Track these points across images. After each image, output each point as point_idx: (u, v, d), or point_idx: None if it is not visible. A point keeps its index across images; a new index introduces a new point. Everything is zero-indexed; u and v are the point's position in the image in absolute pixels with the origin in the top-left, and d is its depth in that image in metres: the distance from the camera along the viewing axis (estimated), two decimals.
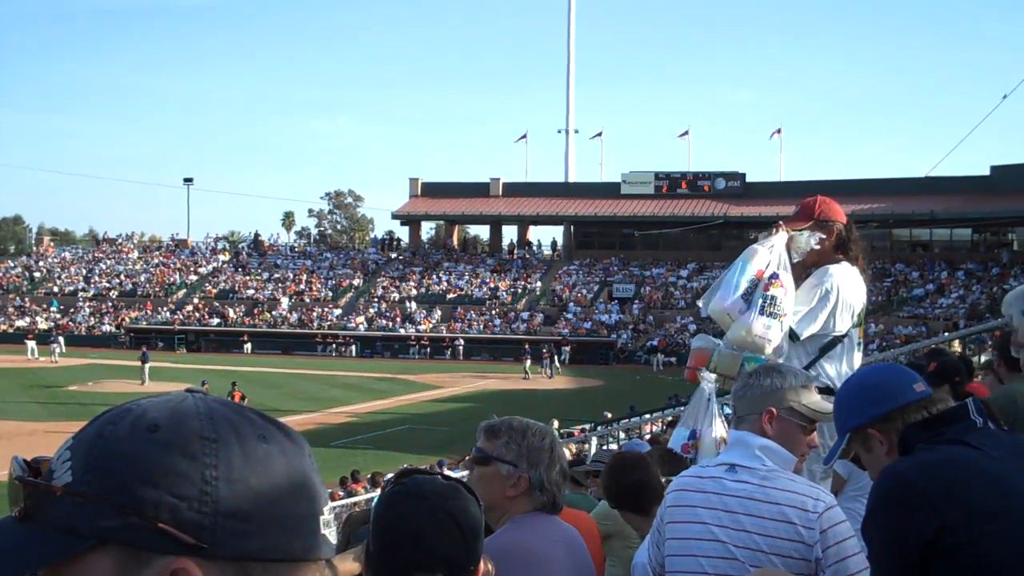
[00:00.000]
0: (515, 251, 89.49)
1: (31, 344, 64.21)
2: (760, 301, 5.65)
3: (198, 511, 1.16)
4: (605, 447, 19.75)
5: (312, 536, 1.22)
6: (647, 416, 27.69)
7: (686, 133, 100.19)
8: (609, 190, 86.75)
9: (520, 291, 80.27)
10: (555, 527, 3.72)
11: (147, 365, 52.13)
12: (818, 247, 5.90)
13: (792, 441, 3.82)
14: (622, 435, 22.25)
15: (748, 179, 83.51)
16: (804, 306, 5.77)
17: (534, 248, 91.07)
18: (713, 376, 5.97)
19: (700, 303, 6.16)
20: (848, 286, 5.84)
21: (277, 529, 1.19)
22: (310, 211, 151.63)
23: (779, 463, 3.72)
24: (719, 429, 5.83)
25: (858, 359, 5.94)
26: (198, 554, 1.15)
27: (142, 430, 1.21)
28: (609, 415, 31.24)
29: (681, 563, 3.72)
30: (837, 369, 5.82)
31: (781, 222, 5.99)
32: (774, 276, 5.70)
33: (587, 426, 29.22)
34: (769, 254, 5.81)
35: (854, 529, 3.59)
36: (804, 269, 5.97)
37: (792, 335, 5.78)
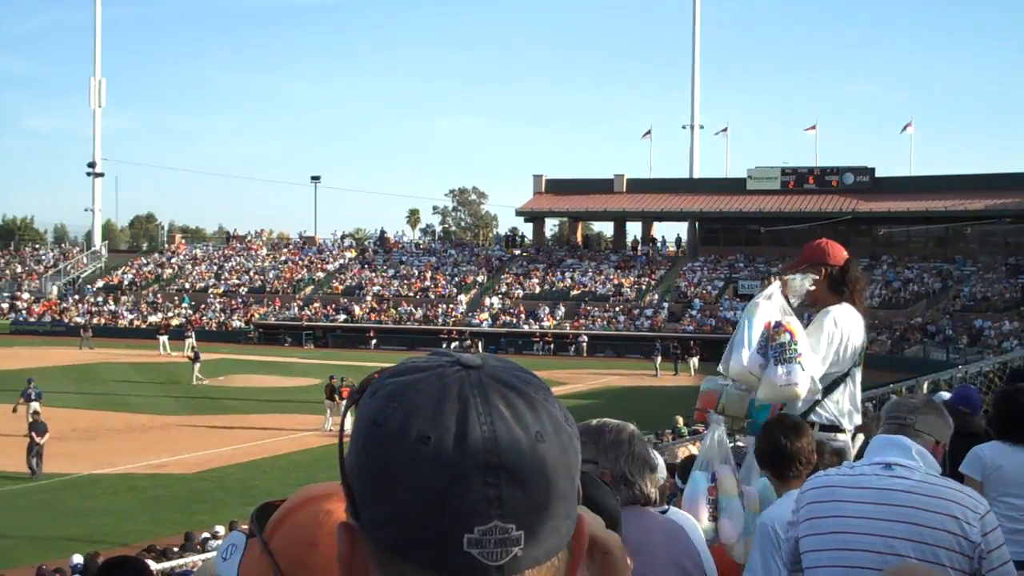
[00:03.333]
0: (639, 247, 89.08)
1: (163, 339, 65.64)
2: (771, 352, 5.74)
3: None
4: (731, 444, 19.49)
5: None
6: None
7: (813, 127, 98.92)
8: (734, 185, 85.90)
9: (644, 287, 79.86)
10: (652, 519, 3.78)
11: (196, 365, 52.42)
12: (812, 288, 6.06)
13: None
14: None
15: (878, 174, 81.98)
16: (809, 350, 5.83)
17: (658, 244, 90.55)
18: (722, 417, 6.00)
19: (720, 368, 6.22)
20: (848, 326, 5.99)
21: None
22: (435, 208, 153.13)
23: (932, 470, 3.87)
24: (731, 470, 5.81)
25: (858, 395, 6.15)
26: None
27: None
28: None
29: (831, 557, 3.77)
30: (840, 407, 6.05)
31: (776, 274, 6.16)
32: (778, 324, 5.79)
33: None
34: (769, 304, 5.91)
35: None
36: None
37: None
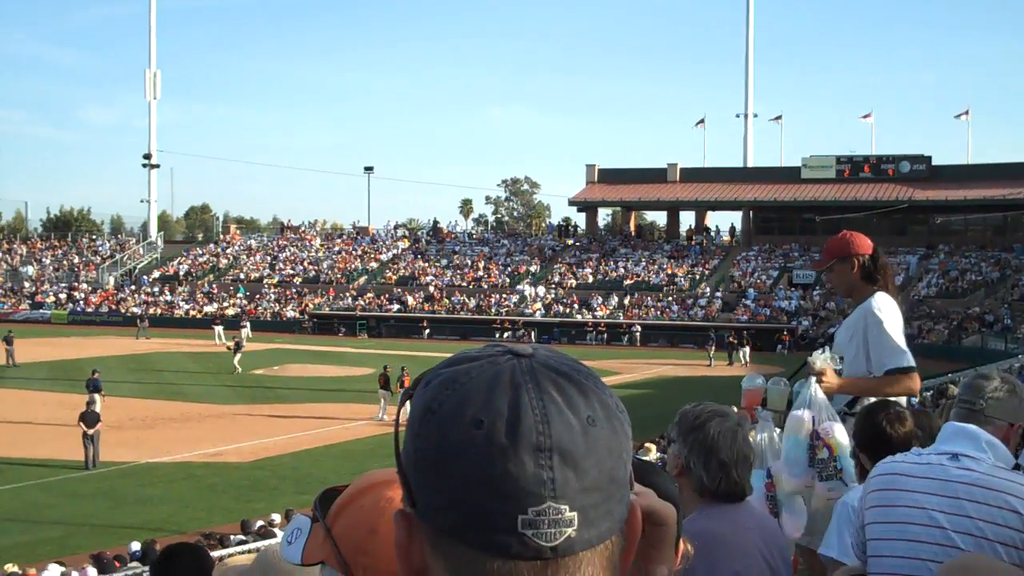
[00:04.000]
0: (693, 237, 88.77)
1: (218, 329, 66.06)
2: (815, 467, 5.62)
3: None
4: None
5: None
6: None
7: (868, 115, 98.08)
8: (789, 174, 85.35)
9: (698, 277, 79.56)
10: (746, 514, 3.74)
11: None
12: (839, 367, 5.96)
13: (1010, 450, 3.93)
14: None
15: (934, 162, 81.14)
16: (884, 345, 5.90)
17: (712, 234, 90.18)
18: (771, 414, 5.97)
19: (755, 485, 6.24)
20: (896, 311, 6.06)
21: None
22: (487, 198, 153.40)
23: (1002, 461, 3.69)
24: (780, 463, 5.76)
25: None
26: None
27: None
28: None
29: (893, 547, 3.68)
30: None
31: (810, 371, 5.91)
32: (817, 437, 5.62)
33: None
34: (809, 412, 5.71)
35: None
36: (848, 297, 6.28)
37: (899, 371, 5.93)
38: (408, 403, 1.21)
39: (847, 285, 6.16)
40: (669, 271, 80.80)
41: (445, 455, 1.17)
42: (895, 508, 3.71)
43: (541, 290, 79.44)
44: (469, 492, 1.15)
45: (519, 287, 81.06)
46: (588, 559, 1.18)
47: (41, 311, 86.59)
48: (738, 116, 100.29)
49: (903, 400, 5.95)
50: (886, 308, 6.02)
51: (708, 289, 77.33)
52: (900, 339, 5.98)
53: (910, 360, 5.97)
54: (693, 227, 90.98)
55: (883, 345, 5.95)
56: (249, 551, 17.00)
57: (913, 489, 3.70)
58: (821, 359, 5.84)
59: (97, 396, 33.79)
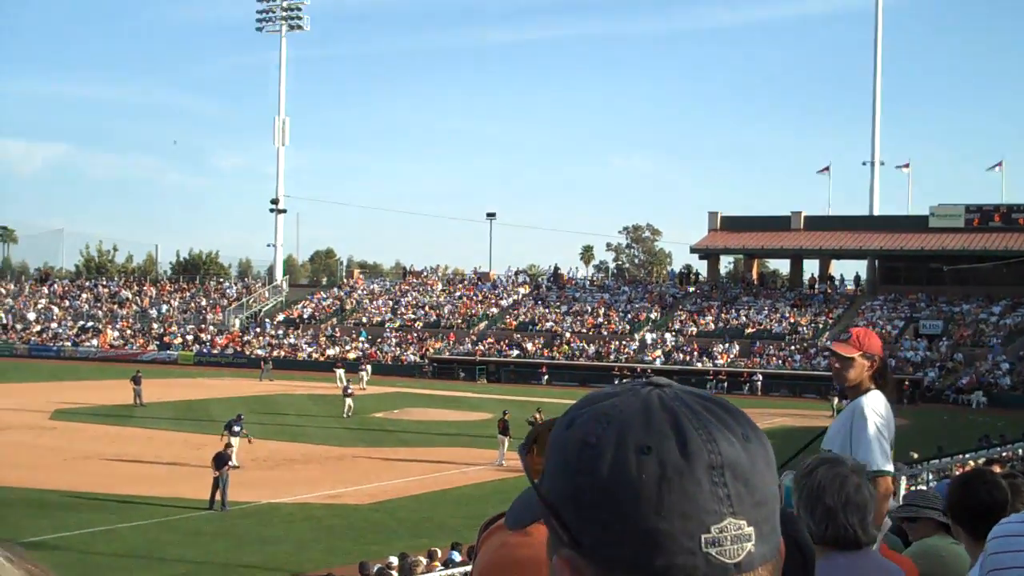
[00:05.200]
0: (816, 285, 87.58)
1: (340, 372, 66.54)
2: None
3: None
4: (914, 487, 18.89)
5: None
6: (958, 457, 26.42)
7: (998, 165, 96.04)
8: (916, 223, 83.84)
9: (821, 326, 78.38)
10: (867, 562, 3.65)
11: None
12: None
13: None
14: (930, 476, 21.25)
15: None
16: (865, 445, 5.90)
17: (836, 283, 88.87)
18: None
19: None
20: (886, 414, 6.04)
21: None
22: (608, 245, 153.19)
23: None
24: None
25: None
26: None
27: None
28: (915, 455, 29.99)
29: None
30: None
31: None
32: None
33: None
34: None
35: None
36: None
37: (874, 474, 5.73)
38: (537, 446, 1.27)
39: (859, 379, 6.09)
40: (792, 320, 79.78)
41: (614, 485, 1.16)
42: (1011, 570, 3.57)
43: (665, 336, 78.96)
44: (646, 519, 1.14)
45: (638, 334, 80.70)
46: (769, 570, 1.19)
47: (168, 352, 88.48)
48: (864, 163, 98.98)
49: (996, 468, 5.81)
50: (877, 409, 6.01)
51: (831, 338, 76.02)
52: (884, 442, 5.97)
53: (885, 465, 5.96)
54: (816, 276, 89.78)
55: (864, 445, 5.94)
56: None
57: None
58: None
59: (234, 439, 34.32)
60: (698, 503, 1.14)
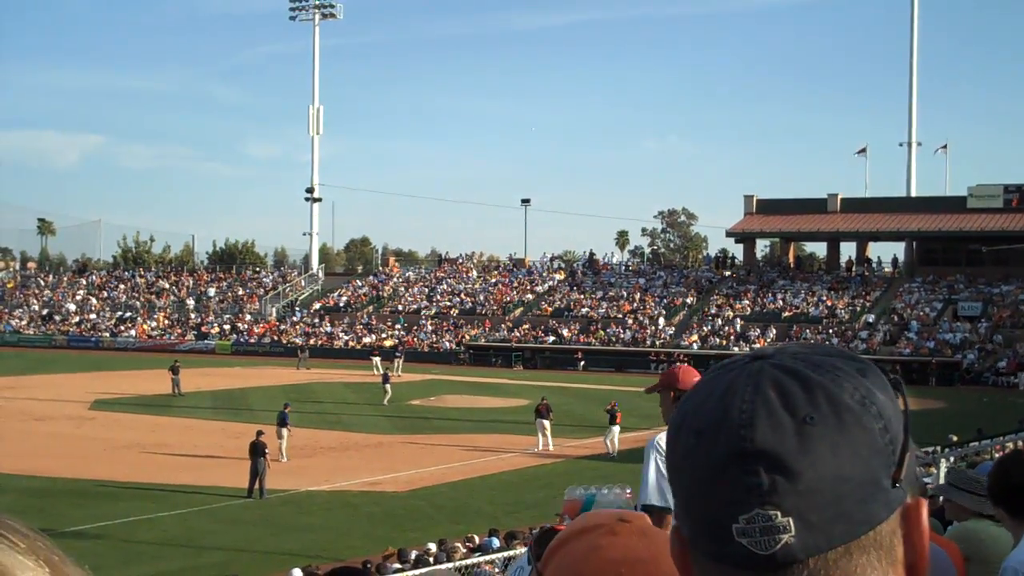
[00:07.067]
0: (853, 268, 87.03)
1: (376, 360, 66.55)
2: None
3: None
4: (952, 471, 18.72)
5: None
6: (999, 439, 26.20)
7: None
8: (954, 204, 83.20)
9: (859, 309, 77.90)
10: None
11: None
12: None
13: None
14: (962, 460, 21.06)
15: None
16: (645, 479, 6.14)
17: (873, 265, 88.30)
18: None
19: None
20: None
21: None
22: (643, 230, 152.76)
23: None
24: None
25: None
26: None
27: None
28: (955, 438, 29.76)
29: None
30: None
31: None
32: None
33: (929, 449, 27.90)
34: None
35: None
36: None
37: (649, 508, 6.00)
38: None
39: (666, 413, 6.29)
40: (829, 303, 79.32)
41: (676, 466, 1.19)
42: None
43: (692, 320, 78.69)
44: (692, 503, 1.17)
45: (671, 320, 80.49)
46: (844, 563, 1.13)
47: (206, 342, 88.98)
48: (901, 145, 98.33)
49: None
50: (663, 447, 6.08)
51: (869, 321, 75.65)
52: (660, 479, 6.11)
53: (657, 500, 6.07)
54: (854, 258, 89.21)
55: (643, 483, 6.17)
56: None
57: None
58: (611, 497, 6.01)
59: (284, 430, 34.54)
60: (726, 491, 1.13)
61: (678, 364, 6.84)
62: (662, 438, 6.19)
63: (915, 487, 1.20)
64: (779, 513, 1.11)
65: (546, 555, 1.71)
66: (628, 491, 6.06)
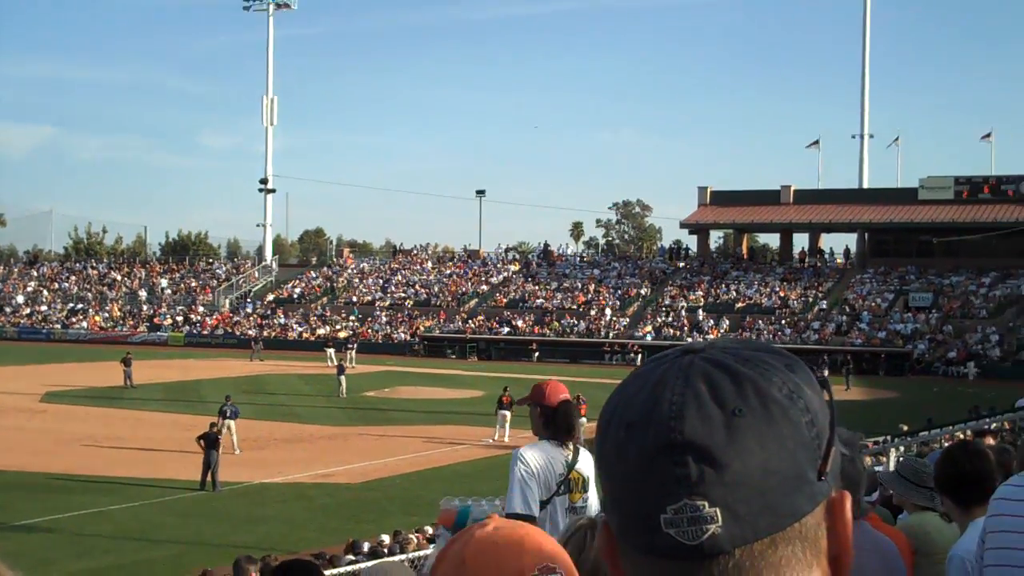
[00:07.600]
0: (806, 259, 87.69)
1: (330, 351, 66.39)
2: None
3: None
4: (902, 460, 18.89)
5: None
6: (948, 428, 26.44)
7: (988, 135, 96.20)
8: (905, 196, 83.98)
9: (811, 300, 78.49)
10: (864, 535, 3.62)
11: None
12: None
13: None
14: (919, 449, 21.25)
15: None
16: (510, 490, 6.46)
17: (826, 256, 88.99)
18: (448, 532, 6.08)
19: None
20: (538, 463, 6.49)
21: None
22: (598, 221, 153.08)
23: None
24: None
25: (561, 521, 6.42)
26: None
27: None
28: (905, 428, 30.02)
29: (1005, 573, 3.61)
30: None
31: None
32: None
33: (880, 439, 28.14)
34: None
35: None
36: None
37: (513, 516, 6.14)
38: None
39: (536, 427, 6.73)
40: (782, 294, 79.85)
41: (604, 459, 1.19)
42: (1010, 534, 3.60)
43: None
44: (620, 494, 1.17)
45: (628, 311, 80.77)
46: (769, 554, 1.14)
47: (158, 333, 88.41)
48: (853, 137, 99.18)
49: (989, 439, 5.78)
50: (525, 458, 6.51)
51: (821, 312, 76.24)
52: (524, 488, 6.41)
53: (521, 508, 6.33)
54: (806, 249, 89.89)
55: (509, 491, 6.46)
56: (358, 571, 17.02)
57: (1011, 513, 3.61)
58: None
59: (231, 422, 34.31)
60: (655, 482, 1.13)
61: (547, 380, 7.02)
62: (526, 450, 6.54)
63: (839, 480, 1.21)
64: (707, 504, 1.11)
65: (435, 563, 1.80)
66: (497, 502, 6.32)
